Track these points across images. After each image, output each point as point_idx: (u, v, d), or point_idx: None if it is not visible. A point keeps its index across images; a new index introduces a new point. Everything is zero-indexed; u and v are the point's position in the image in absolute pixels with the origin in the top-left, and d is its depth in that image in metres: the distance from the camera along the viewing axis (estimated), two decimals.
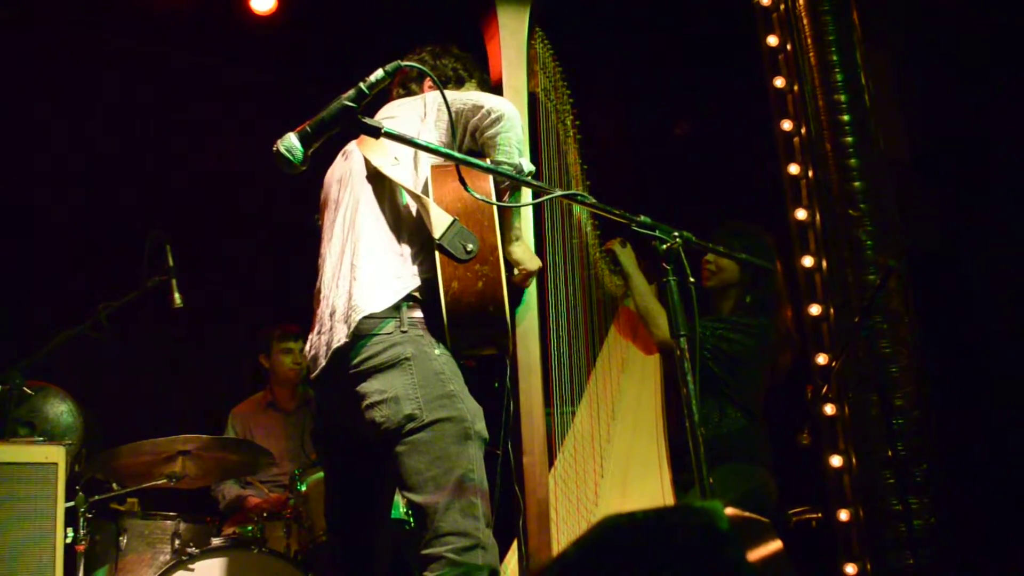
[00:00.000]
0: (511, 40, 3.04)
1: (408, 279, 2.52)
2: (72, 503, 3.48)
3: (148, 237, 3.84)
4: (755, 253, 3.62)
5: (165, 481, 3.80)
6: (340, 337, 2.49)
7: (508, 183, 2.62)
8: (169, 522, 3.94)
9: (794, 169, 4.49)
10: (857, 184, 4.24)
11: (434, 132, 2.61)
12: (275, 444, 4.55)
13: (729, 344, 3.65)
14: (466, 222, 2.50)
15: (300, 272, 2.87)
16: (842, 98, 4.32)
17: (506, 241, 2.68)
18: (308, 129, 2.07)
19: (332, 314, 2.55)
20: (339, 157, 2.83)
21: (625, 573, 0.87)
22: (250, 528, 4.01)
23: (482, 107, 2.56)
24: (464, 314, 2.48)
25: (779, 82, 4.60)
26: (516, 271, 2.72)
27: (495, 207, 2.56)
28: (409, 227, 2.58)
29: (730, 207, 4.50)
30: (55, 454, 3.18)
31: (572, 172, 3.47)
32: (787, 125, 4.54)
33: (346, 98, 2.09)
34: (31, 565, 3.04)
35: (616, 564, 0.88)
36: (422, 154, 2.64)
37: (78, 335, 3.71)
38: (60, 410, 3.79)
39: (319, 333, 2.59)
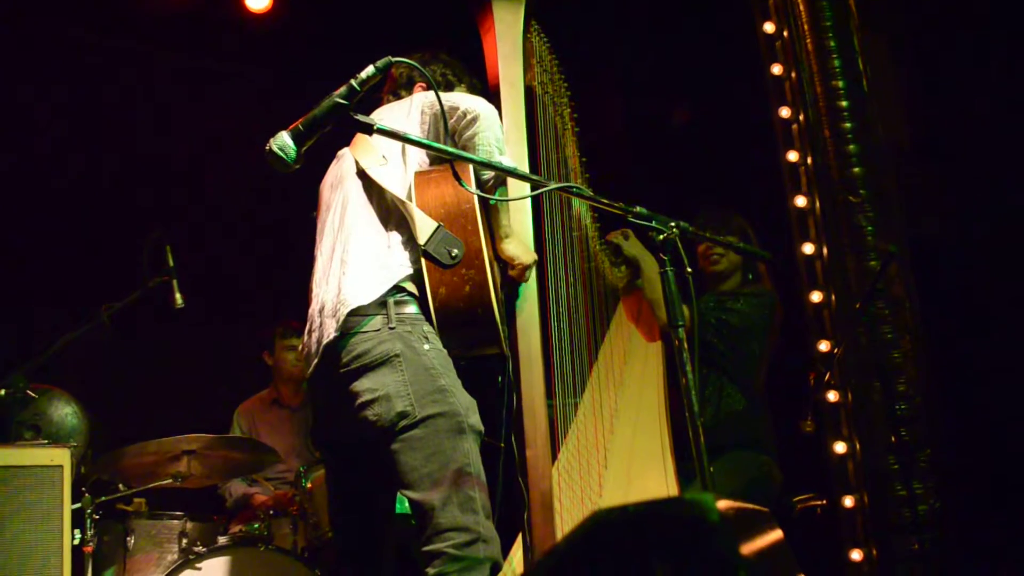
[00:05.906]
0: (507, 33, 3.02)
1: (395, 269, 2.51)
2: (79, 505, 3.49)
3: (148, 238, 3.85)
4: (744, 239, 3.70)
5: (171, 481, 3.81)
6: (329, 332, 2.49)
7: (492, 181, 2.61)
8: (176, 521, 3.95)
9: (793, 156, 4.48)
10: (857, 170, 4.23)
11: (417, 131, 2.60)
12: (280, 441, 4.56)
13: (731, 315, 3.70)
14: (450, 227, 2.51)
15: (303, 269, 2.87)
16: (840, 84, 4.31)
17: (497, 239, 2.68)
18: (300, 127, 2.07)
19: (322, 310, 2.55)
20: (333, 163, 2.84)
21: (616, 566, 0.88)
22: (256, 526, 4.02)
23: (458, 108, 2.54)
24: (453, 318, 2.50)
25: (776, 69, 4.58)
26: (513, 267, 2.72)
27: (477, 211, 2.55)
28: (396, 219, 2.58)
29: (729, 196, 4.48)
30: (60, 456, 3.18)
31: (571, 165, 3.45)
32: (785, 112, 4.53)
33: (338, 95, 2.08)
34: (39, 568, 3.04)
35: (607, 557, 0.89)
36: (411, 153, 2.64)
37: (81, 337, 3.71)
38: (64, 412, 3.79)
39: (310, 332, 2.60)
